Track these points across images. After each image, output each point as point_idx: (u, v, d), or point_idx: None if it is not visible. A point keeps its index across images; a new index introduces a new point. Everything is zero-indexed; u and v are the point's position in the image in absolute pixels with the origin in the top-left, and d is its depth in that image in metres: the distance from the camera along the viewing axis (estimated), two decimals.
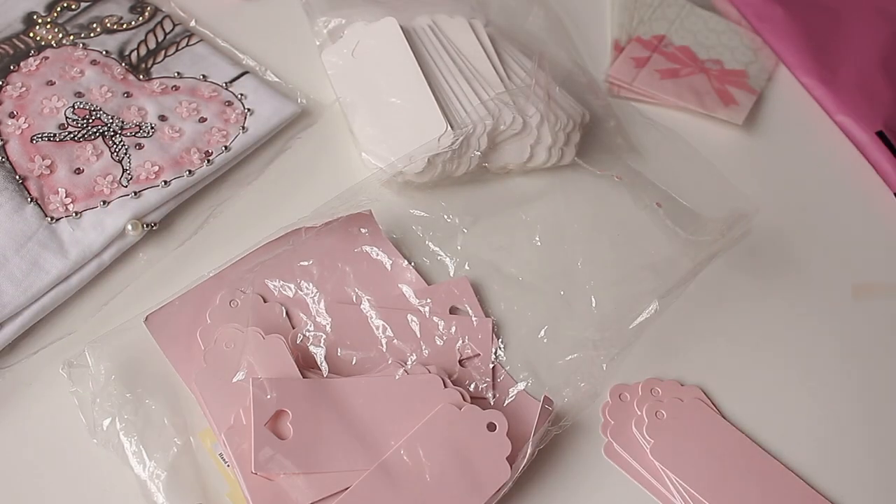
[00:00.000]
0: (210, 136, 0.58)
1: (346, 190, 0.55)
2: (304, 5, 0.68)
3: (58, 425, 0.47)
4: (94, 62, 0.60)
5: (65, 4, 0.63)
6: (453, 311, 0.54)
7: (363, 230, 0.55)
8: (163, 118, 0.58)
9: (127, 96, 0.59)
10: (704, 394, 0.54)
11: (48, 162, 0.54)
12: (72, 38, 0.61)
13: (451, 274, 0.56)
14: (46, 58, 0.59)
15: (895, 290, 0.62)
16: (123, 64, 0.61)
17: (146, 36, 0.63)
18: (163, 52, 0.63)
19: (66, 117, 0.56)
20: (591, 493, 0.50)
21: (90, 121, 0.56)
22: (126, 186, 0.54)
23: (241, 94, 0.61)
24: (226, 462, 0.46)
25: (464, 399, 0.48)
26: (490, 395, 0.51)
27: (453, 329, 0.52)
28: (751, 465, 0.51)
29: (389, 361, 0.50)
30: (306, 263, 0.53)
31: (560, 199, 0.61)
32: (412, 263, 0.55)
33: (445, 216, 0.59)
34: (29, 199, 0.52)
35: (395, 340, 0.51)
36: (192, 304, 0.50)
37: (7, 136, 0.55)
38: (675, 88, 0.71)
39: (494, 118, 0.58)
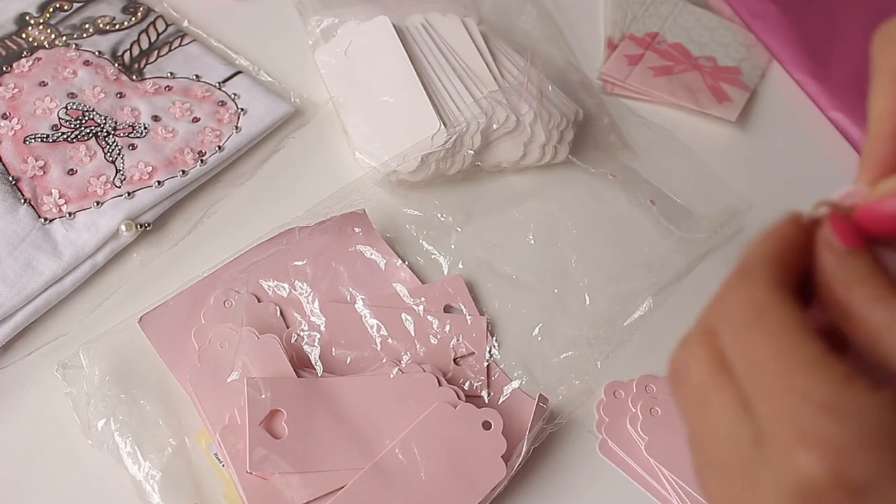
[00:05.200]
0: (203, 136, 0.58)
1: (339, 189, 0.55)
2: (297, 4, 0.68)
3: (52, 426, 0.47)
4: (86, 63, 0.60)
5: (57, 5, 0.63)
6: (447, 309, 0.54)
7: (357, 229, 0.55)
8: (156, 118, 0.58)
9: (120, 97, 0.59)
10: None
11: (41, 163, 0.54)
12: (64, 38, 0.61)
13: (445, 272, 0.56)
14: (39, 59, 0.59)
15: None
16: (116, 64, 0.61)
17: (139, 36, 0.63)
18: (155, 53, 0.62)
19: (59, 118, 0.56)
20: (587, 491, 0.50)
21: (83, 121, 0.56)
22: (119, 187, 0.54)
23: (235, 94, 0.61)
24: (221, 462, 0.46)
25: (458, 397, 0.48)
26: (485, 393, 0.51)
27: (447, 328, 0.52)
28: None
29: (384, 360, 0.50)
30: (300, 263, 0.53)
31: (554, 197, 0.61)
32: (406, 262, 0.55)
33: (439, 215, 0.59)
34: (22, 201, 0.52)
35: (390, 339, 0.51)
36: (186, 304, 0.50)
37: (0, 137, 0.55)
38: (669, 86, 0.71)
39: (488, 116, 0.58)
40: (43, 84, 0.58)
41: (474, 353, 0.52)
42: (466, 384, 0.51)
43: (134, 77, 0.60)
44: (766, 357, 0.23)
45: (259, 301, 0.51)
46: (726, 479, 0.24)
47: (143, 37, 0.63)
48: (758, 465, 0.23)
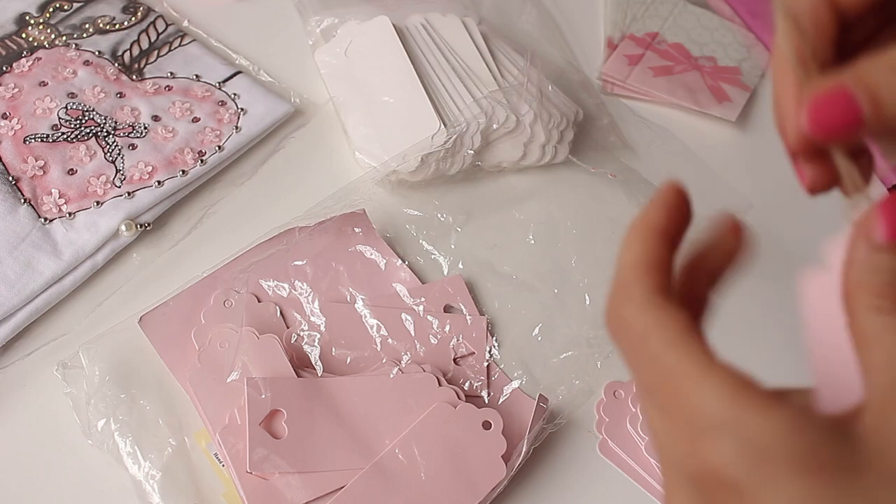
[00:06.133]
0: (203, 135, 0.58)
1: (339, 189, 0.55)
2: (297, 4, 0.68)
3: (52, 426, 0.47)
4: (86, 63, 0.60)
5: (57, 5, 0.63)
6: (447, 309, 0.54)
7: (357, 229, 0.55)
8: (156, 118, 0.58)
9: (120, 97, 0.59)
10: None
11: (41, 163, 0.54)
12: (64, 38, 0.61)
13: (445, 272, 0.56)
14: (39, 59, 0.59)
15: None
16: (116, 64, 0.61)
17: (139, 36, 0.63)
18: (156, 53, 0.62)
19: (59, 118, 0.56)
20: (587, 491, 0.50)
21: (83, 121, 0.56)
22: (119, 187, 0.54)
23: (235, 94, 0.61)
24: (221, 462, 0.46)
25: (458, 397, 0.48)
26: (485, 393, 0.51)
27: (447, 328, 0.52)
28: None
29: (384, 360, 0.50)
30: (300, 263, 0.53)
31: (554, 197, 0.61)
32: (406, 262, 0.55)
33: (439, 215, 0.59)
34: (22, 201, 0.52)
35: (390, 339, 0.51)
36: (187, 304, 0.50)
37: (0, 137, 0.55)
38: (669, 86, 0.71)
39: (487, 116, 0.58)
40: (43, 84, 0.58)
41: (474, 353, 0.52)
42: (466, 384, 0.51)
43: (134, 77, 0.60)
44: (658, 377, 0.23)
45: (259, 301, 0.51)
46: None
47: (143, 37, 0.63)
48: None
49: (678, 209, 0.26)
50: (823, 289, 0.24)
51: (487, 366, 0.52)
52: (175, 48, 0.63)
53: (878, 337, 0.21)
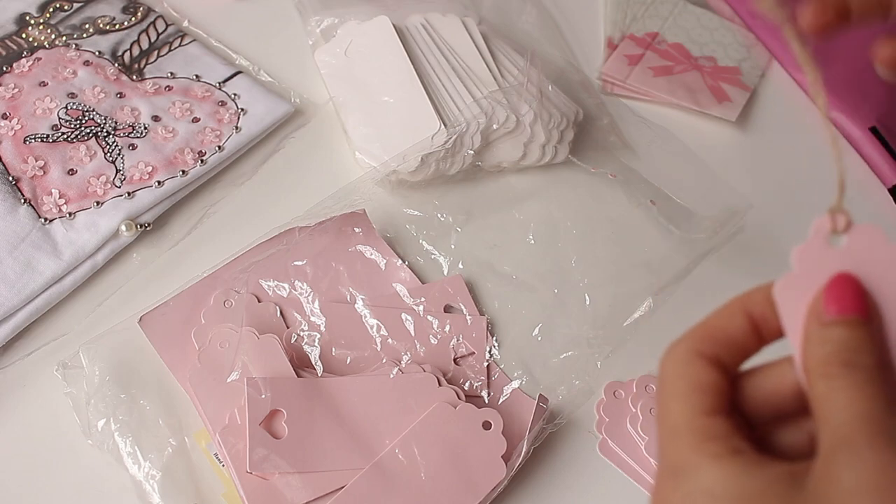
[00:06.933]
0: (203, 136, 0.58)
1: (339, 189, 0.55)
2: (297, 4, 0.68)
3: (52, 426, 0.47)
4: (86, 63, 0.60)
5: (57, 5, 0.63)
6: (447, 309, 0.54)
7: (357, 229, 0.55)
8: (156, 118, 0.58)
9: (120, 97, 0.59)
10: None
11: (41, 163, 0.54)
12: (64, 38, 0.61)
13: (445, 272, 0.56)
14: (39, 59, 0.59)
15: None
16: (116, 64, 0.61)
17: (139, 36, 0.63)
18: (156, 53, 0.62)
19: (59, 118, 0.56)
20: (587, 491, 0.50)
21: (83, 121, 0.56)
22: (119, 187, 0.54)
23: (235, 94, 0.61)
24: (221, 462, 0.46)
25: (458, 398, 0.48)
26: (485, 393, 0.51)
27: (447, 328, 0.52)
28: None
29: (384, 360, 0.50)
30: (300, 263, 0.53)
31: (554, 197, 0.61)
32: (406, 262, 0.55)
33: (439, 215, 0.59)
34: (22, 201, 0.52)
35: (390, 339, 0.51)
36: (187, 304, 0.50)
37: (0, 137, 0.55)
38: (669, 86, 0.71)
39: (488, 116, 0.58)
40: (43, 84, 0.58)
41: (474, 353, 0.52)
42: (466, 384, 0.51)
43: (134, 77, 0.60)
44: (657, 417, 0.28)
45: (259, 301, 0.51)
46: None
47: (143, 37, 0.63)
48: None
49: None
50: (797, 294, 0.27)
51: (487, 366, 0.52)
52: (175, 48, 0.63)
53: (827, 397, 0.24)
